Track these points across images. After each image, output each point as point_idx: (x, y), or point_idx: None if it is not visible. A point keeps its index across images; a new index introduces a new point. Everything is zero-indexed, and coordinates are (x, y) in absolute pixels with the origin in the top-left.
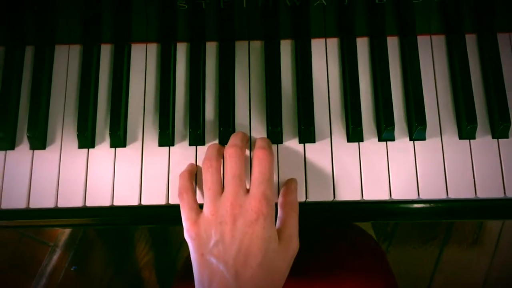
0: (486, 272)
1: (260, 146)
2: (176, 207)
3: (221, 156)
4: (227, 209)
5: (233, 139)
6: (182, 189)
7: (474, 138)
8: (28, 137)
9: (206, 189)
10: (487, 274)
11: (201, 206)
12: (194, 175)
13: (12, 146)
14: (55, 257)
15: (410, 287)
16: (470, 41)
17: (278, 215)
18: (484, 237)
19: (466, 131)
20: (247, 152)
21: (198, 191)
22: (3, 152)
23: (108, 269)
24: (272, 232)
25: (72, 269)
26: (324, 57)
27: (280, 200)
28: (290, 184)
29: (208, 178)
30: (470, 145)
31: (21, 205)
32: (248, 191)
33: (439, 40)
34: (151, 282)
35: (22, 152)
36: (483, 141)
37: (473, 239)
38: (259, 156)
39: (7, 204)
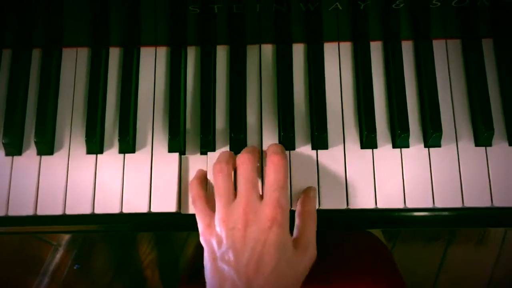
0: (491, 272)
1: (274, 151)
2: (185, 214)
3: (232, 161)
4: (240, 215)
5: (244, 150)
6: (195, 197)
7: (490, 145)
8: (36, 143)
9: (218, 195)
10: (492, 275)
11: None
12: (204, 181)
13: (19, 152)
14: (58, 256)
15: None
16: (487, 45)
17: (296, 223)
18: (489, 237)
19: (482, 138)
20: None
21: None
22: (10, 157)
23: (111, 268)
24: (286, 240)
25: (75, 267)
26: (337, 61)
27: (298, 209)
28: (309, 192)
29: (219, 183)
30: (486, 153)
31: (29, 212)
32: (261, 196)
33: (455, 45)
34: (154, 282)
35: (29, 157)
36: (500, 148)
37: (478, 239)
38: (273, 161)
39: (14, 211)
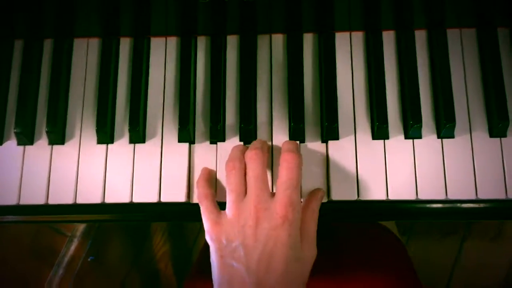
0: (508, 267)
1: (288, 148)
2: (195, 204)
3: (243, 157)
4: (251, 212)
5: (253, 144)
6: (201, 196)
7: (505, 136)
8: (47, 132)
9: (229, 191)
10: (509, 269)
11: (223, 207)
12: (211, 181)
13: (31, 141)
14: (73, 248)
15: (430, 282)
16: (502, 34)
17: None
18: (505, 232)
19: (497, 128)
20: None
21: (221, 191)
22: (22, 147)
23: (124, 260)
24: (296, 239)
25: (89, 259)
26: (349, 51)
27: (302, 205)
28: (317, 193)
29: (231, 180)
30: (501, 144)
31: (40, 200)
32: (273, 194)
33: (469, 34)
34: (167, 274)
35: (41, 147)
36: None
37: (494, 234)
38: (287, 160)
39: (26, 200)
